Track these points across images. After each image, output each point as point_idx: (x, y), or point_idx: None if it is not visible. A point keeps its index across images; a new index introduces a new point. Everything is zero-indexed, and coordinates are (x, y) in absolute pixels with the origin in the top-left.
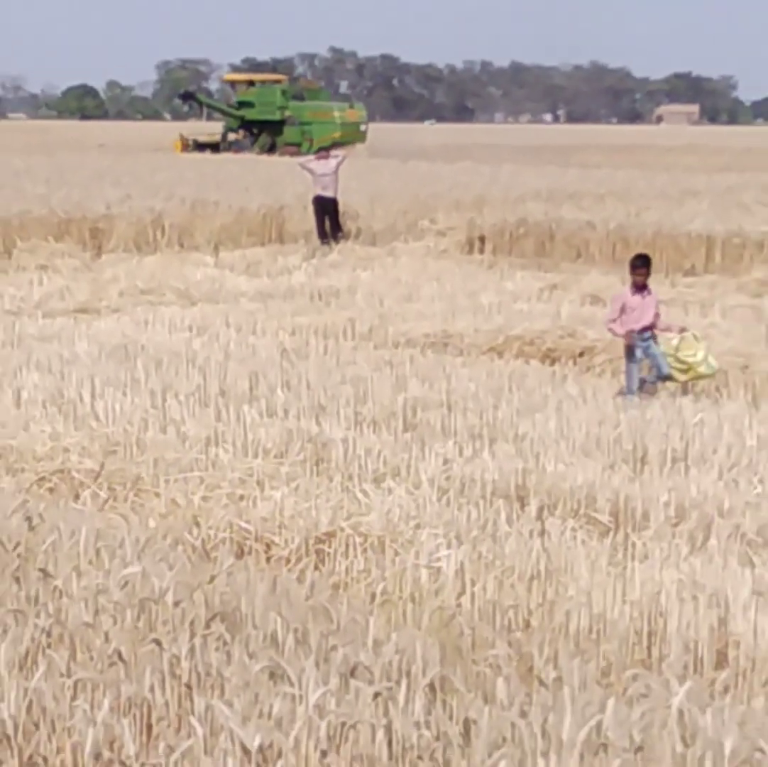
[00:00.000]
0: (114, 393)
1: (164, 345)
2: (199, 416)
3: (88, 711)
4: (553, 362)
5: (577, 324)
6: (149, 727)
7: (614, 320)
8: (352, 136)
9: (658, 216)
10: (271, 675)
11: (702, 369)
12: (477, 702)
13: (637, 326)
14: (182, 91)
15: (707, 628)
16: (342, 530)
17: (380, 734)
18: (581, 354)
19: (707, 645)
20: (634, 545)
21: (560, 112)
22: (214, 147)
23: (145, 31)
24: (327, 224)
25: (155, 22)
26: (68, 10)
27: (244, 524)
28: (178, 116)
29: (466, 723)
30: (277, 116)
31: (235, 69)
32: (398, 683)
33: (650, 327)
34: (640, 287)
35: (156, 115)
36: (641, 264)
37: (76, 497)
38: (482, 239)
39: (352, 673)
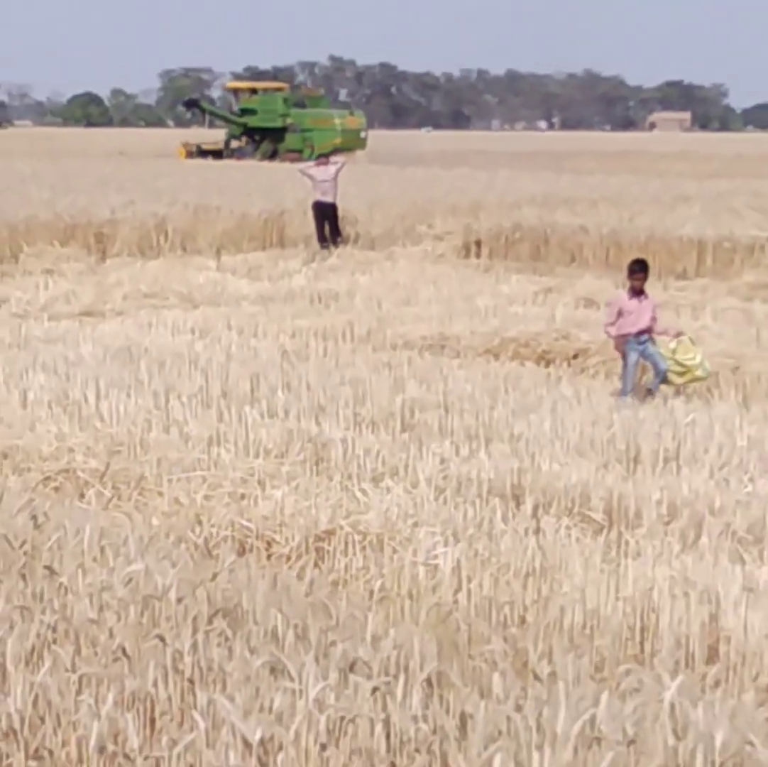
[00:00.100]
0: (118, 394)
1: (167, 347)
2: (201, 417)
3: (93, 705)
4: (547, 364)
5: (572, 327)
6: (152, 721)
7: (611, 324)
8: (352, 142)
9: (651, 221)
10: (272, 670)
11: (699, 372)
12: (473, 697)
13: (634, 330)
14: (186, 99)
15: (699, 624)
16: (341, 528)
17: (379, 728)
18: (575, 356)
19: (698, 640)
20: (627, 542)
21: (555, 120)
22: (217, 154)
23: (148, 41)
24: (326, 228)
25: (158, 31)
26: (73, 19)
27: (245, 523)
28: (181, 123)
29: (463, 717)
30: (278, 123)
31: (236, 77)
32: (396, 678)
33: (646, 331)
34: (638, 292)
35: (159, 123)
36: (639, 269)
37: (81, 496)
38: (478, 244)
39: (351, 668)
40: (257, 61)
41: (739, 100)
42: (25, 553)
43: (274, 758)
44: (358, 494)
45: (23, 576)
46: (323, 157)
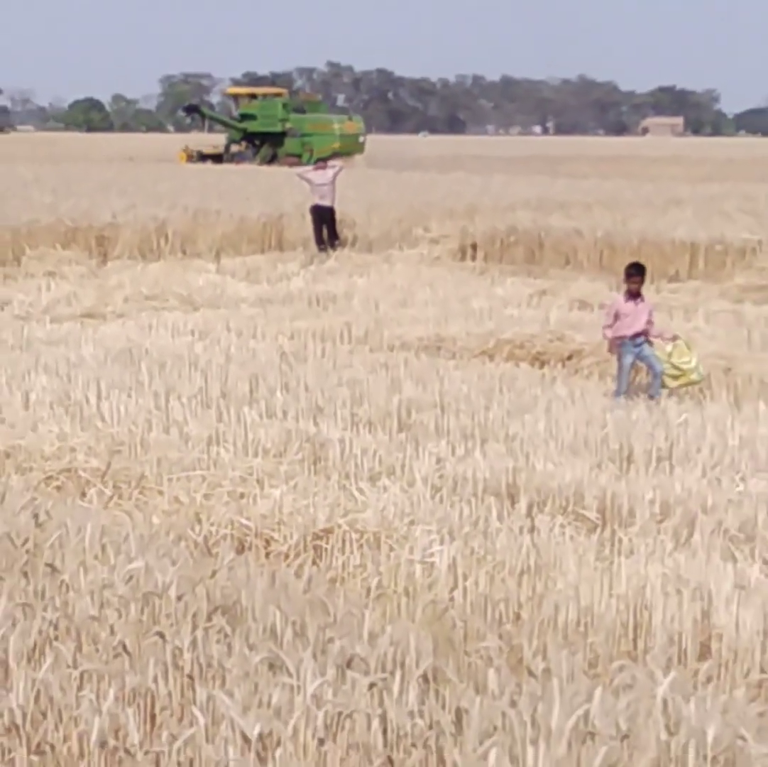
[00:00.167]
0: (119, 395)
1: (167, 349)
2: (201, 417)
3: (94, 701)
4: (542, 365)
5: (566, 328)
6: (153, 716)
7: (609, 326)
8: (350, 147)
9: (644, 224)
10: (271, 667)
11: (694, 376)
12: (469, 692)
13: (629, 332)
14: (186, 104)
15: (691, 621)
16: (339, 526)
17: (375, 723)
18: (569, 357)
19: (691, 637)
20: (620, 541)
21: (549, 125)
22: (217, 158)
23: (149, 47)
24: (324, 232)
25: (159, 37)
26: (75, 26)
27: (244, 521)
28: (181, 128)
29: (459, 713)
30: (278, 128)
31: (236, 83)
32: (393, 674)
33: (642, 333)
34: (634, 295)
35: (160, 128)
36: (636, 272)
37: (83, 495)
38: (474, 247)
39: (349, 664)
40: (256, 67)
41: (730, 106)
42: (27, 551)
43: (272, 753)
44: (356, 493)
45: (25, 574)
46: (321, 162)
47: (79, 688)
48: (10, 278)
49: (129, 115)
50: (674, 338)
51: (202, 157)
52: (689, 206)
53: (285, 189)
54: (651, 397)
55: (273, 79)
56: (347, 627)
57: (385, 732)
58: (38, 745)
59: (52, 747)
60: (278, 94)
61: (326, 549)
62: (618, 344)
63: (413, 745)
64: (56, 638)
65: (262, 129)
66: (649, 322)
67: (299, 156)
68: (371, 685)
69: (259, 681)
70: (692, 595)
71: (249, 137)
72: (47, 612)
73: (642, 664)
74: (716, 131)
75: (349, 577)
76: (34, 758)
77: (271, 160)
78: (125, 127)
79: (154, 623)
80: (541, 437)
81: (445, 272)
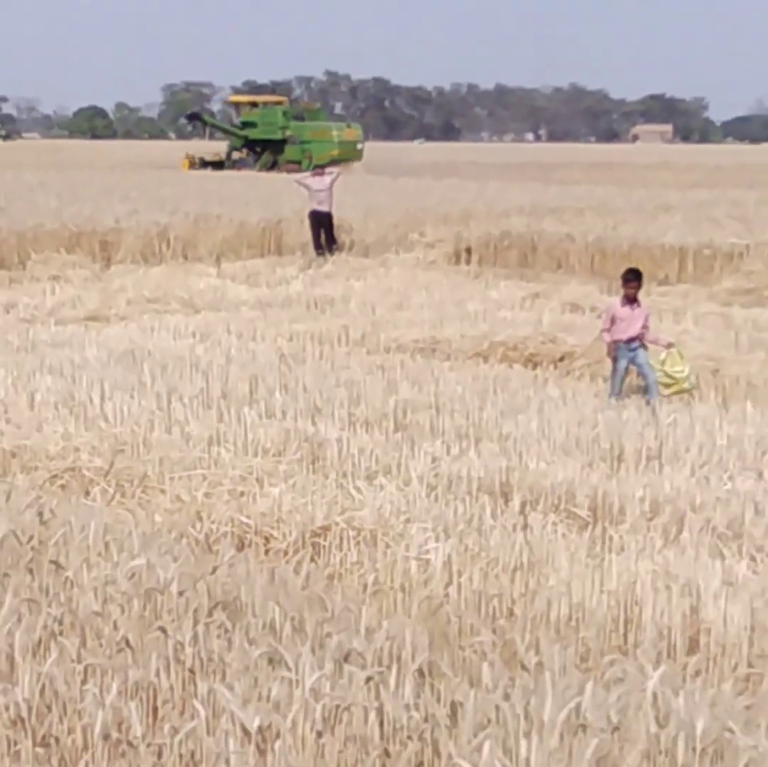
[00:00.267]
0: (122, 396)
1: (169, 351)
2: (202, 418)
3: (98, 695)
4: (535, 367)
5: (558, 331)
6: (155, 709)
7: (606, 330)
8: (349, 154)
9: (634, 229)
10: (270, 661)
11: (685, 385)
12: (463, 686)
13: (624, 337)
14: (189, 112)
15: (680, 616)
16: (336, 524)
17: (372, 716)
18: (561, 359)
19: (680, 631)
20: (611, 538)
21: (542, 132)
22: (217, 165)
23: (151, 56)
24: (322, 236)
25: (161, 47)
26: (79, 37)
27: (244, 519)
28: (182, 136)
29: (453, 706)
30: (278, 136)
31: (236, 91)
32: (389, 668)
33: (637, 338)
34: (631, 300)
35: (162, 135)
36: (633, 278)
37: (87, 493)
38: (468, 251)
39: (346, 659)
40: (256, 76)
41: (718, 113)
42: (32, 548)
43: (272, 745)
44: (353, 491)
45: (30, 571)
46: (319, 168)
47: (83, 682)
48: (15, 281)
49: (132, 123)
50: (669, 345)
51: (205, 164)
52: (678, 212)
53: (284, 195)
54: (647, 402)
55: (272, 88)
56: (345, 622)
57: (381, 724)
58: (43, 738)
59: (57, 739)
60: (279, 103)
61: (324, 546)
62: (615, 348)
63: (409, 737)
64: (61, 633)
65: (262, 136)
66: (644, 327)
67: (299, 163)
68: (368, 679)
69: (258, 675)
70: (681, 591)
71: (250, 144)
72: (52, 607)
73: (632, 658)
74: (704, 138)
75: (347, 573)
76: (40, 750)
77: (272, 166)
78: (128, 135)
79: (156, 618)
80: (534, 436)
81: (441, 275)
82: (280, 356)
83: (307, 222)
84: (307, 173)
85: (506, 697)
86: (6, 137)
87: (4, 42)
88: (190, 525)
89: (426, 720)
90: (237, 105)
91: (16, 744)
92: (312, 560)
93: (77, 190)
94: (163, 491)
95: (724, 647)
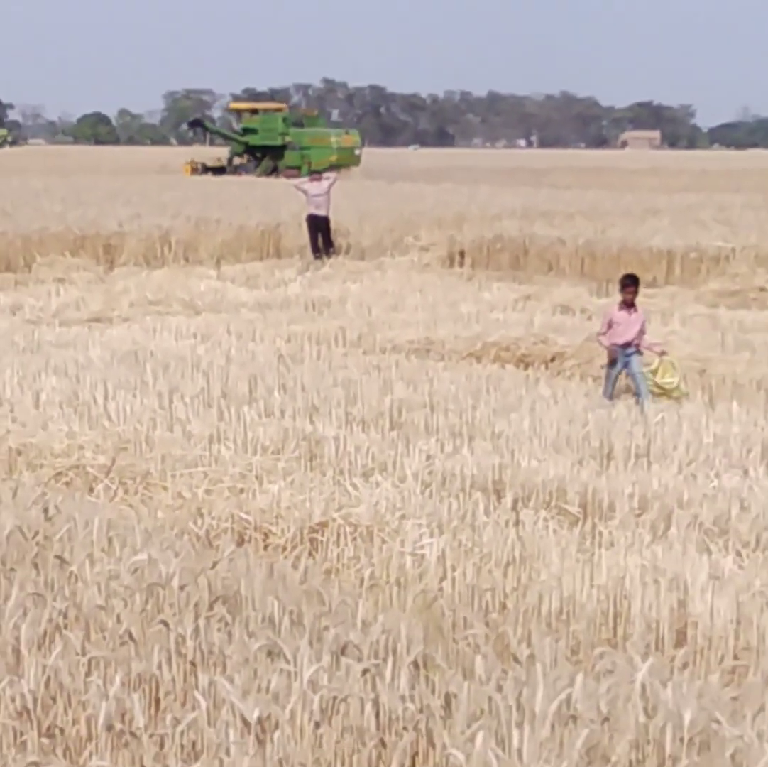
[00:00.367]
0: (125, 395)
1: (171, 351)
2: (203, 416)
3: (102, 687)
4: (526, 367)
5: (549, 332)
6: (157, 701)
7: (603, 334)
8: (347, 159)
9: (623, 233)
10: (269, 653)
11: (675, 394)
12: (457, 678)
13: (620, 341)
14: (191, 119)
15: (668, 610)
16: (334, 520)
17: (368, 707)
18: (552, 359)
19: (668, 625)
20: (600, 533)
21: (533, 138)
22: (218, 170)
23: (152, 64)
24: (320, 240)
25: (162, 55)
26: (83, 44)
27: (244, 515)
28: (183, 142)
29: (447, 697)
30: (278, 142)
31: (235, 98)
32: (385, 660)
33: (632, 343)
34: (628, 305)
35: (163, 141)
36: (630, 283)
37: (90, 490)
38: (462, 254)
39: (343, 651)
40: (255, 83)
41: (705, 120)
42: (37, 544)
43: (271, 736)
44: (350, 488)
45: (36, 565)
46: (316, 174)
47: (87, 674)
48: (21, 283)
49: (134, 129)
50: (662, 352)
51: (206, 169)
52: (666, 216)
53: (282, 199)
54: (637, 402)
55: (271, 95)
56: (342, 615)
57: (377, 715)
58: (48, 728)
59: (62, 730)
60: (278, 109)
61: (322, 542)
62: (615, 350)
63: (404, 728)
64: (65, 626)
65: (263, 142)
66: (640, 332)
67: (298, 168)
68: (364, 671)
69: (258, 667)
70: (669, 585)
71: (251, 150)
72: (57, 601)
73: (621, 651)
74: (691, 144)
75: (344, 568)
76: (45, 740)
77: (272, 172)
78: (131, 141)
79: (158, 612)
80: (526, 435)
81: (435, 278)
82: (278, 356)
83: (305, 226)
84: (305, 178)
85: (499, 689)
86: (12, 143)
87: (10, 50)
88: (191, 521)
89: (421, 711)
90: (238, 112)
91: (22, 734)
92: (310, 555)
93: (81, 194)
94: (164, 488)
95: (711, 640)
